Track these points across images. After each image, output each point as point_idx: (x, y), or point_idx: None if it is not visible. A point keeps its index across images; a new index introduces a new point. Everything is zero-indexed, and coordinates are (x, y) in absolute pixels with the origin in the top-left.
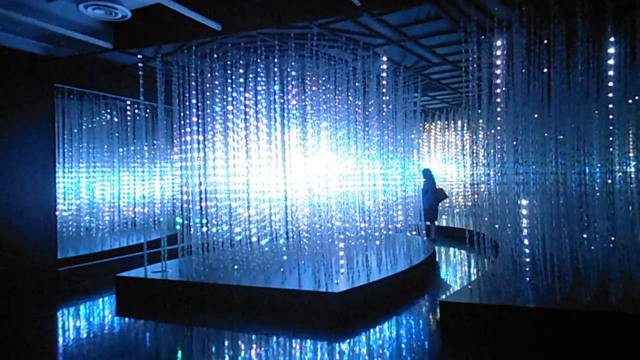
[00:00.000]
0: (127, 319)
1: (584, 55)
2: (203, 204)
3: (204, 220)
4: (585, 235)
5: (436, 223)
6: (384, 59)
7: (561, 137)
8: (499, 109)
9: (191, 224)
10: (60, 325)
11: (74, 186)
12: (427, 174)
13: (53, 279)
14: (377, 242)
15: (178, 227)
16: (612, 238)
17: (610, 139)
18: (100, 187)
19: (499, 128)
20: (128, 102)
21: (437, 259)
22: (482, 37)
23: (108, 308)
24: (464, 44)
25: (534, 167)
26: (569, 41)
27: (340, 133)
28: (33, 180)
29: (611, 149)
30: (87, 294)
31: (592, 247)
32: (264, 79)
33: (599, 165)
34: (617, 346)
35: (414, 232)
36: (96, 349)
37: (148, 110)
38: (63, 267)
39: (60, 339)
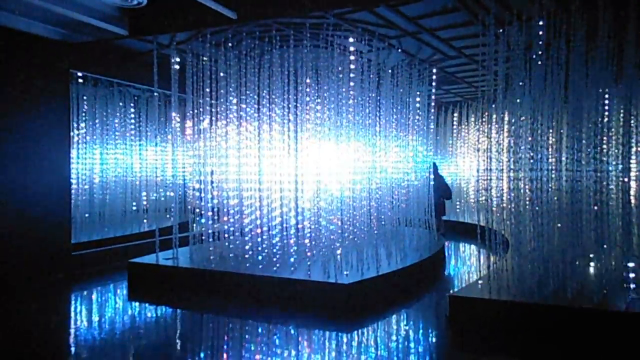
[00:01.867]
0: (138, 303)
1: (603, 50)
2: (215, 193)
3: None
4: (598, 233)
5: (444, 218)
6: (399, 50)
7: (577, 133)
8: (514, 103)
9: (202, 212)
10: (72, 309)
11: (88, 172)
12: (431, 167)
13: (66, 263)
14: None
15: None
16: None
17: (628, 136)
18: (113, 174)
19: (512, 123)
20: (142, 89)
21: (446, 253)
22: (500, 30)
23: (120, 293)
24: (481, 37)
25: (548, 162)
26: (588, 35)
27: (353, 125)
28: (48, 165)
29: (629, 147)
30: (99, 278)
31: (605, 246)
32: (278, 68)
33: (614, 162)
34: (627, 345)
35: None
36: (107, 333)
37: (161, 99)
38: (76, 252)
39: (72, 323)
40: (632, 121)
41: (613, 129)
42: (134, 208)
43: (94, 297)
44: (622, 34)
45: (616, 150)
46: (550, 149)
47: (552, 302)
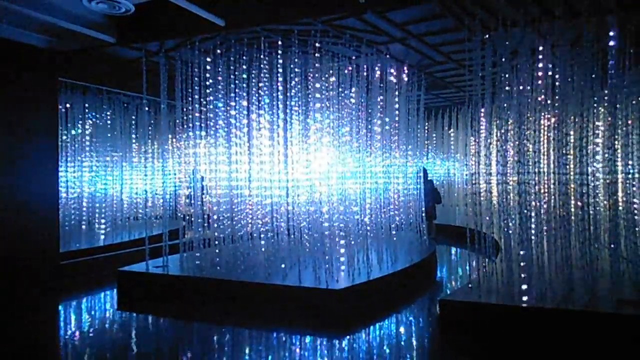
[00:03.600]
0: (127, 313)
1: (588, 54)
2: (205, 199)
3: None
4: (586, 236)
5: (435, 222)
6: (388, 56)
7: (563, 136)
8: (501, 107)
9: (192, 219)
10: (61, 318)
11: (77, 180)
12: (421, 172)
13: (55, 272)
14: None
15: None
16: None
17: (613, 139)
18: (102, 181)
19: (501, 128)
20: (131, 97)
21: (437, 257)
22: (487, 36)
23: (109, 302)
24: (467, 43)
25: (535, 166)
26: (573, 40)
27: (344, 130)
28: (36, 174)
29: (614, 149)
30: (89, 287)
31: (593, 248)
32: (267, 75)
33: (600, 165)
34: (616, 347)
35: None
36: (95, 343)
37: (151, 106)
38: (65, 261)
39: (61, 333)
40: (619, 123)
41: (599, 132)
42: (127, 218)
43: (82, 306)
44: (605, 39)
45: (602, 153)
46: (537, 152)
47: (541, 305)
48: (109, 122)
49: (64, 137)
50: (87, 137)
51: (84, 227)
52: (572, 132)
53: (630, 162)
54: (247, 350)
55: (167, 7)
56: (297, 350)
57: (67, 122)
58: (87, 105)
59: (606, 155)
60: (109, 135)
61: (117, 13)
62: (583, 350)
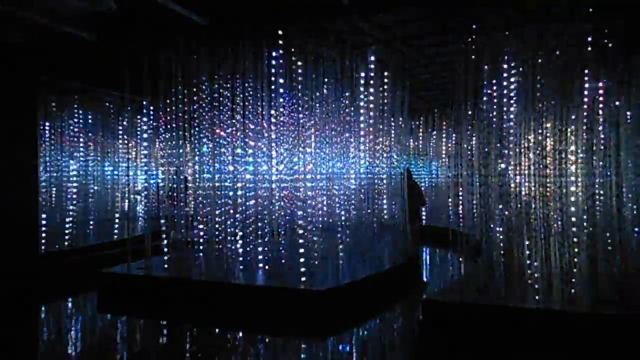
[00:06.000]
0: (107, 315)
1: (568, 59)
2: (189, 199)
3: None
4: (565, 236)
5: (418, 224)
6: (372, 58)
7: (542, 139)
8: (483, 110)
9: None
10: (40, 321)
11: (57, 180)
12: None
13: (34, 275)
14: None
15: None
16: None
17: (591, 142)
18: (83, 182)
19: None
20: (113, 95)
21: (420, 258)
22: (469, 40)
23: (89, 305)
24: (450, 46)
25: (517, 169)
26: (553, 45)
27: (327, 131)
28: (13, 175)
29: (591, 153)
30: (69, 289)
31: (571, 249)
32: (250, 75)
33: (580, 169)
34: (595, 346)
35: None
36: (72, 345)
37: (132, 104)
38: (45, 262)
39: (39, 336)
40: (596, 127)
41: (577, 136)
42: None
43: (62, 308)
44: (581, 47)
45: (581, 155)
46: (518, 155)
47: (523, 305)
48: (89, 121)
49: (44, 137)
50: (67, 136)
51: (66, 227)
52: (550, 136)
53: (607, 165)
54: (227, 353)
55: (149, 5)
56: (280, 351)
57: (46, 119)
58: (68, 103)
59: (583, 157)
60: (90, 134)
61: (98, 10)
62: (564, 350)
